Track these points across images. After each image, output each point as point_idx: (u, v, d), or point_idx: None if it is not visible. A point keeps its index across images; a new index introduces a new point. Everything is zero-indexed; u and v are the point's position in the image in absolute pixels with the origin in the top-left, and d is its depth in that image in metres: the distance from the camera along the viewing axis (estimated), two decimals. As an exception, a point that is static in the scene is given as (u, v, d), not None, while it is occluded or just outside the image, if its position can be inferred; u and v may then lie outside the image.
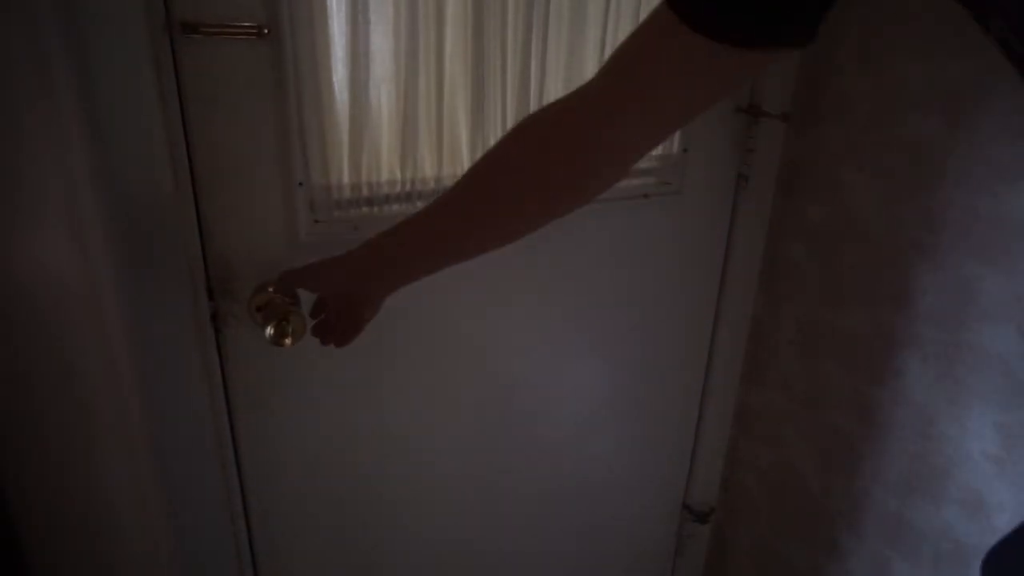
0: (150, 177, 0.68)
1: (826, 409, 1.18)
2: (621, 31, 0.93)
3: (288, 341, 0.80)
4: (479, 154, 0.89)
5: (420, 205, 0.88)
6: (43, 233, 0.39)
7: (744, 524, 1.41)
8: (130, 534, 0.48)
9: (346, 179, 0.83)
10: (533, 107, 0.90)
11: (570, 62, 0.92)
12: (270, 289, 0.82)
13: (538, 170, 0.60)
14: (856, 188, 1.06)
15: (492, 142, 0.89)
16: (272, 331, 0.80)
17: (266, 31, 0.73)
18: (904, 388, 1.04)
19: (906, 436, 1.06)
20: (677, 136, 1.07)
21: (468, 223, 0.65)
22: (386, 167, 0.85)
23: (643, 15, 0.92)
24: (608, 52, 0.93)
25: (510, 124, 0.90)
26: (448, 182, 0.90)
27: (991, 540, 0.98)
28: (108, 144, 0.43)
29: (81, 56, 0.39)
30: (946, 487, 1.02)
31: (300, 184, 0.80)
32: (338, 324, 0.75)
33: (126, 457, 0.46)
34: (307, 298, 0.85)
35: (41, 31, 0.37)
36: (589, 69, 0.93)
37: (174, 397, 0.67)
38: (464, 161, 0.90)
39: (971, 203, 0.92)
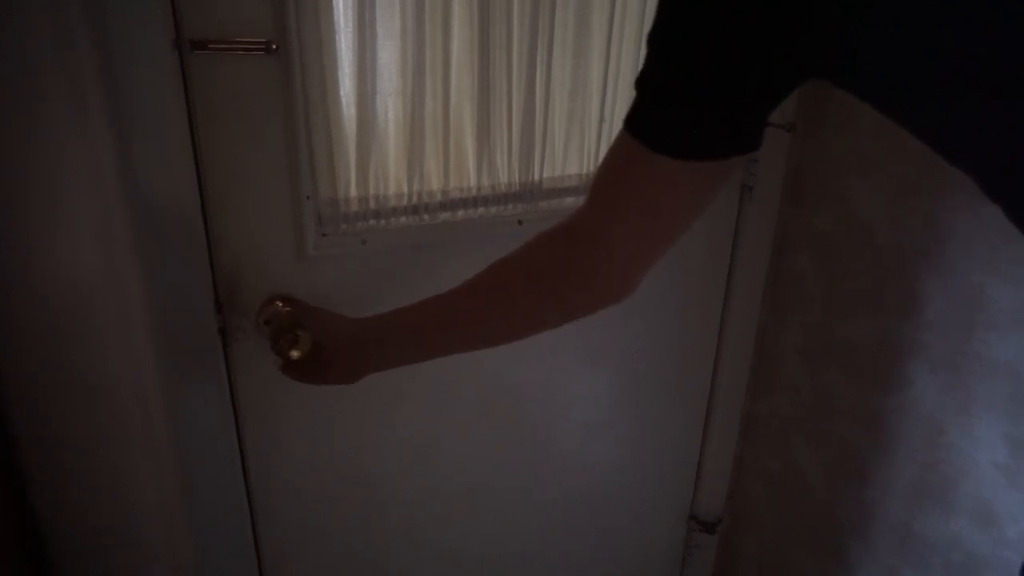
0: (171, 192, 0.69)
1: (833, 418, 1.17)
2: (626, 43, 0.94)
3: (295, 354, 0.81)
4: (485, 166, 0.90)
5: (427, 218, 0.89)
6: (80, 248, 0.40)
7: (751, 533, 1.41)
8: (153, 538, 0.49)
9: (353, 192, 0.84)
10: (539, 119, 0.91)
11: (575, 74, 0.92)
12: (278, 303, 0.83)
13: (535, 310, 0.65)
14: (861, 197, 1.06)
15: (498, 156, 0.90)
16: (282, 342, 0.80)
17: (274, 47, 0.73)
18: (912, 397, 1.04)
19: (914, 446, 1.05)
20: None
21: (470, 333, 0.69)
22: (393, 180, 0.86)
23: (647, 27, 0.93)
24: (613, 64, 0.94)
25: (516, 137, 0.90)
26: (454, 194, 0.90)
27: (1002, 551, 0.97)
28: (135, 161, 0.44)
29: (111, 76, 0.40)
30: (955, 497, 1.01)
31: (307, 197, 0.81)
32: (313, 368, 0.77)
33: (151, 467, 0.46)
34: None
35: (78, 53, 0.37)
36: (594, 81, 0.94)
37: (189, 410, 0.68)
38: (471, 173, 0.90)
39: (977, 211, 0.92)
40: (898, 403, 1.06)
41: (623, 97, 0.96)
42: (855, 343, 1.11)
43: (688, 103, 0.48)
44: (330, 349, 0.74)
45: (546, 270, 0.62)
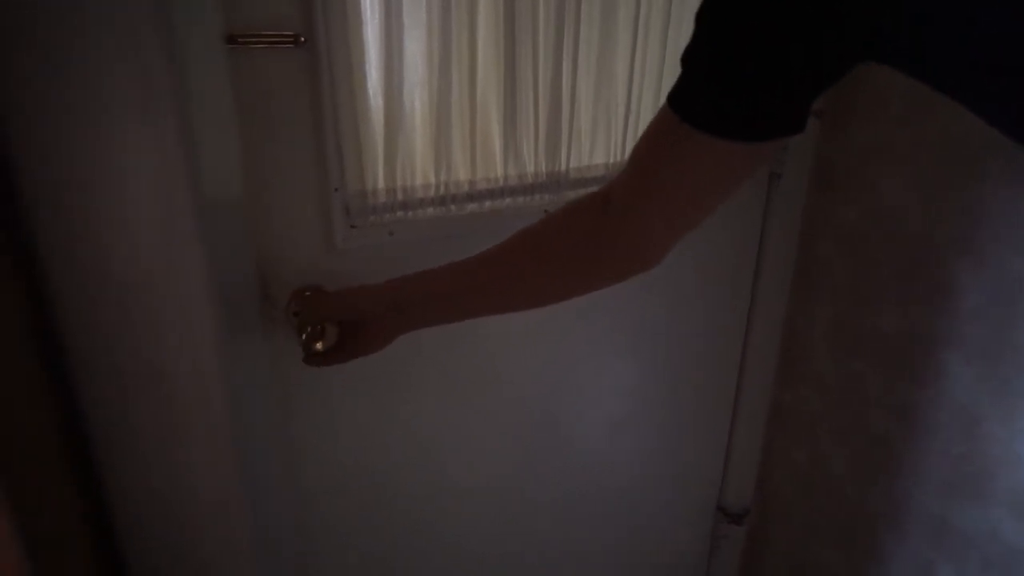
0: (218, 185, 0.70)
1: (863, 409, 1.16)
2: (653, 31, 0.93)
3: (319, 346, 0.81)
4: (511, 157, 0.89)
5: (454, 209, 0.89)
6: (146, 239, 0.41)
7: (780, 525, 1.39)
8: (212, 522, 0.50)
9: (381, 184, 0.84)
10: (565, 109, 0.90)
11: (601, 63, 0.91)
12: (307, 295, 0.83)
13: (560, 274, 0.65)
14: (892, 185, 1.04)
15: (524, 146, 0.90)
16: (305, 336, 0.80)
17: (302, 40, 0.74)
18: (946, 388, 1.02)
19: (949, 437, 1.03)
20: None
21: (496, 296, 0.70)
22: (420, 171, 0.86)
23: (674, 15, 0.92)
24: (639, 53, 0.93)
25: (542, 127, 0.89)
26: (481, 185, 0.90)
27: (1043, 543, 0.95)
28: (196, 154, 0.45)
29: (175, 73, 0.41)
30: (993, 489, 0.99)
31: (336, 190, 0.81)
32: (340, 347, 0.79)
33: (210, 454, 0.47)
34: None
35: (147, 52, 0.38)
36: (620, 70, 0.93)
37: (240, 398, 0.69)
38: (497, 164, 0.90)
39: (1015, 197, 0.89)
40: (931, 394, 1.04)
41: (650, 86, 0.96)
42: (885, 333, 1.09)
43: (734, 83, 0.48)
44: (356, 323, 0.76)
45: (577, 238, 0.62)
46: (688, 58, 0.50)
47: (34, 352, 0.41)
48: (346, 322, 0.79)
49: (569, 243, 0.63)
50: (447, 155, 0.85)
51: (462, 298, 0.70)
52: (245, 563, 0.55)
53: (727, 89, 0.48)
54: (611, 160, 0.98)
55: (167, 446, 0.46)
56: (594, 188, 0.96)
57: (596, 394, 1.15)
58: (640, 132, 0.96)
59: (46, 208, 0.40)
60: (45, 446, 0.42)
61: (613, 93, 0.94)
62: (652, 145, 0.56)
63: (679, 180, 0.55)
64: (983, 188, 0.92)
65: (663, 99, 0.54)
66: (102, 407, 0.43)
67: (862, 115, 1.06)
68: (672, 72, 0.53)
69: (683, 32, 0.94)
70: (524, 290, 0.68)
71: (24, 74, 0.37)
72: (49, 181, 0.39)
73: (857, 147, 1.08)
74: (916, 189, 1.00)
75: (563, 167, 0.93)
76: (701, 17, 0.48)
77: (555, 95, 0.89)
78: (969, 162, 0.93)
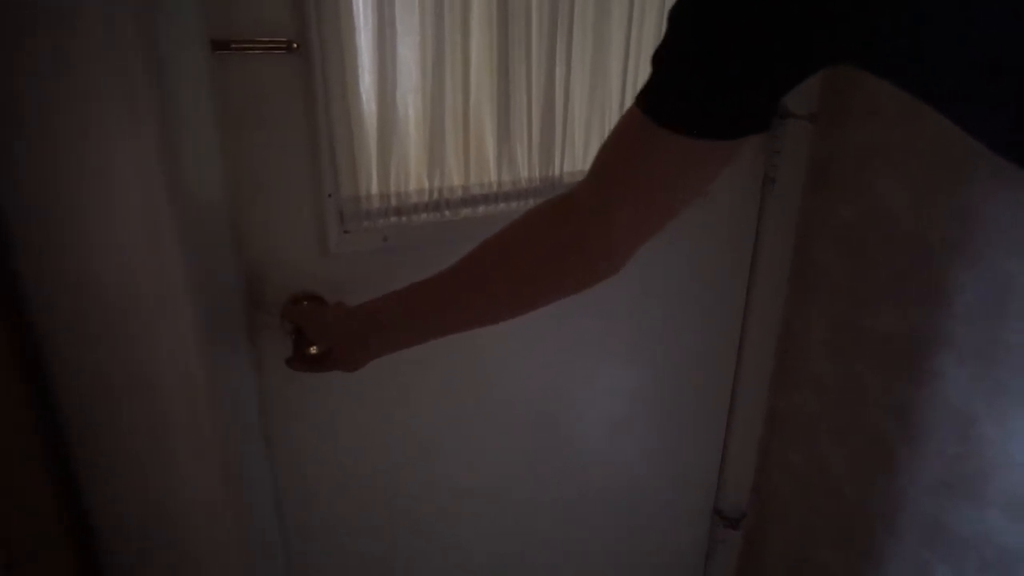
0: (205, 191, 0.71)
1: (860, 411, 1.16)
2: (646, 35, 0.93)
3: (313, 350, 0.82)
4: (505, 162, 0.90)
5: (448, 214, 0.89)
6: (127, 244, 0.41)
7: (777, 525, 1.40)
8: (203, 523, 0.50)
9: (375, 189, 0.84)
10: (559, 114, 0.90)
11: (595, 68, 0.92)
12: (304, 303, 0.84)
13: (531, 278, 0.63)
14: (886, 186, 1.04)
15: (518, 151, 0.90)
16: (294, 340, 0.81)
17: (295, 46, 0.74)
18: (941, 389, 1.02)
19: (944, 438, 1.04)
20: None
21: (465, 310, 0.68)
22: (414, 177, 0.86)
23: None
24: (632, 58, 0.93)
25: (536, 132, 0.90)
26: (475, 190, 0.91)
27: (1037, 545, 0.95)
28: (178, 161, 0.45)
29: (157, 78, 0.41)
30: (987, 490, 0.99)
31: (329, 195, 0.81)
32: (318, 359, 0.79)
33: (197, 456, 0.47)
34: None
35: (129, 57, 0.39)
36: (614, 74, 0.93)
37: (233, 403, 0.70)
38: (491, 169, 0.90)
39: (1011, 196, 0.89)
40: (927, 395, 1.04)
41: (643, 89, 0.96)
42: (881, 334, 1.09)
43: (714, 81, 0.47)
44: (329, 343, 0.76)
45: (542, 243, 0.61)
46: (661, 57, 0.50)
47: (15, 357, 0.42)
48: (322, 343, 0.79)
49: (535, 249, 0.62)
50: (441, 160, 0.86)
51: (430, 315, 0.69)
52: (238, 564, 0.56)
53: (707, 88, 0.48)
54: (605, 163, 0.98)
55: (157, 447, 0.46)
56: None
57: (594, 395, 1.15)
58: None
59: (29, 214, 0.40)
60: (25, 451, 0.43)
61: (607, 97, 0.94)
62: (621, 147, 0.55)
63: (649, 182, 0.54)
64: (975, 188, 0.92)
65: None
66: (88, 412, 0.43)
67: (858, 116, 1.06)
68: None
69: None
70: (491, 301, 0.66)
71: (22, 74, 0.37)
72: (32, 185, 0.40)
73: (854, 148, 1.08)
74: (911, 190, 1.01)
75: (557, 172, 0.94)
76: (679, 15, 0.48)
77: (548, 99, 0.89)
78: (961, 162, 0.93)
